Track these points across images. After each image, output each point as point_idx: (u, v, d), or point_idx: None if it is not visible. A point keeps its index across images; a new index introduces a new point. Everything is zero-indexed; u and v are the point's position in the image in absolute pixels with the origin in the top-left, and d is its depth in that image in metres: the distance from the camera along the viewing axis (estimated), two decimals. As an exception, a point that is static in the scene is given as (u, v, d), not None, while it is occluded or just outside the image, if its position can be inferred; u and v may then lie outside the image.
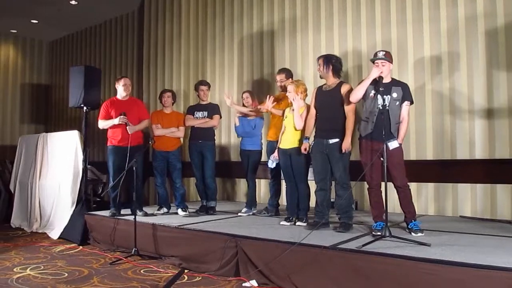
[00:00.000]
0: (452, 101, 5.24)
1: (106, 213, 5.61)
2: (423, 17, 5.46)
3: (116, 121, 5.52)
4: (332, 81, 4.43)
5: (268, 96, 5.30)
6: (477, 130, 5.08)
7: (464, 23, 5.18)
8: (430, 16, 5.42)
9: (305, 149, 4.45)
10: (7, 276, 4.07)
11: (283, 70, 5.53)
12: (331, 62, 4.41)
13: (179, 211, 5.60)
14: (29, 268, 4.37)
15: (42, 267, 4.45)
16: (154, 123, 5.80)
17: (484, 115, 5.03)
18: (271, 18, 6.95)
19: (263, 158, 6.66)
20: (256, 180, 6.79)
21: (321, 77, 4.53)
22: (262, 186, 6.86)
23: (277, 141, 4.94)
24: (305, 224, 4.55)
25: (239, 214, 5.51)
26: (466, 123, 5.14)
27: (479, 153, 5.05)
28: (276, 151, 4.89)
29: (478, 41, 5.08)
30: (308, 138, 4.50)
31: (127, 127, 5.54)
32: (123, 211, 5.65)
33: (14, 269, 4.34)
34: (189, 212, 5.60)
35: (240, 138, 5.86)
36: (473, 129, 5.10)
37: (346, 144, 4.19)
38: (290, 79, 5.32)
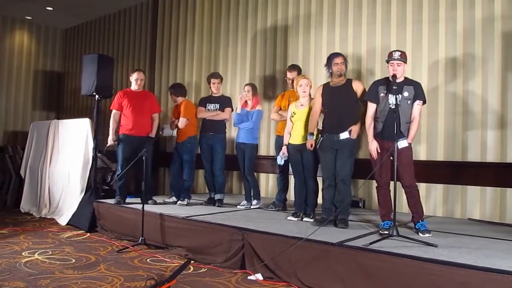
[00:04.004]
0: (465, 103, 5.20)
1: (113, 201, 5.65)
2: (439, 17, 5.41)
3: (110, 137, 5.68)
4: (342, 78, 4.44)
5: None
6: (489, 133, 5.02)
7: (481, 24, 5.12)
8: (447, 16, 5.36)
9: (311, 145, 4.45)
10: (15, 260, 4.12)
11: (296, 67, 5.50)
12: (347, 61, 4.53)
13: (179, 200, 5.71)
14: (37, 253, 4.43)
15: (50, 252, 4.50)
16: (171, 117, 6.13)
17: (497, 118, 4.98)
18: (286, 14, 6.92)
19: (264, 152, 6.71)
20: (264, 174, 6.85)
21: (340, 75, 4.42)
22: (270, 181, 6.86)
23: (286, 137, 4.95)
24: (312, 220, 4.55)
25: (251, 207, 5.54)
26: (479, 125, 5.09)
27: (490, 157, 5.00)
28: (284, 147, 4.89)
29: (495, 43, 5.02)
30: (313, 134, 4.50)
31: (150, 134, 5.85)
32: (132, 200, 5.72)
33: (23, 253, 4.39)
34: (188, 202, 5.68)
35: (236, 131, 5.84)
36: (485, 132, 5.05)
37: (354, 131, 4.30)
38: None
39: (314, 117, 4.54)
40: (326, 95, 4.46)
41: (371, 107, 4.17)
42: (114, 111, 5.73)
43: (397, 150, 3.76)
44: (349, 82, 4.43)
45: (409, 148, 4.04)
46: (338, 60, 4.41)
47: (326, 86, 4.52)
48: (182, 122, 5.79)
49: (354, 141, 4.34)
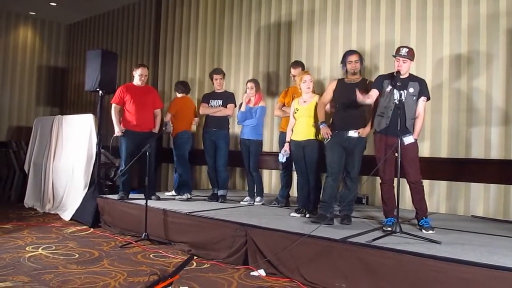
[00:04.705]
0: (470, 100, 5.17)
1: (116, 196, 5.66)
2: (444, 14, 5.38)
3: (116, 129, 5.63)
4: (357, 76, 4.42)
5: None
6: (494, 130, 5.01)
7: (486, 21, 5.09)
8: (451, 13, 5.33)
9: (327, 133, 4.37)
10: (19, 255, 4.14)
11: (300, 64, 5.49)
12: (363, 59, 4.51)
13: (178, 195, 5.80)
14: (41, 248, 4.45)
15: (54, 247, 4.52)
16: None
17: (502, 115, 4.96)
18: (289, 10, 6.90)
19: (267, 148, 6.70)
20: (267, 170, 6.85)
21: (354, 73, 4.39)
22: (273, 177, 6.86)
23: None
24: (315, 216, 4.53)
25: (254, 204, 5.54)
26: (483, 122, 5.07)
27: (495, 153, 4.99)
28: (287, 145, 4.88)
29: (499, 40, 4.99)
30: (325, 122, 4.44)
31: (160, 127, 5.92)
32: (136, 195, 5.74)
33: (26, 248, 4.42)
34: (188, 196, 5.75)
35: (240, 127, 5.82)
36: (490, 129, 5.03)
37: (365, 131, 4.32)
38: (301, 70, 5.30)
39: (322, 108, 4.52)
40: (339, 90, 4.42)
41: (374, 92, 4.11)
42: (114, 105, 5.69)
43: (403, 146, 3.76)
44: (364, 81, 4.40)
45: (415, 144, 4.02)
46: (353, 58, 4.38)
47: (340, 82, 4.48)
48: (166, 117, 5.96)
49: (363, 139, 4.35)
